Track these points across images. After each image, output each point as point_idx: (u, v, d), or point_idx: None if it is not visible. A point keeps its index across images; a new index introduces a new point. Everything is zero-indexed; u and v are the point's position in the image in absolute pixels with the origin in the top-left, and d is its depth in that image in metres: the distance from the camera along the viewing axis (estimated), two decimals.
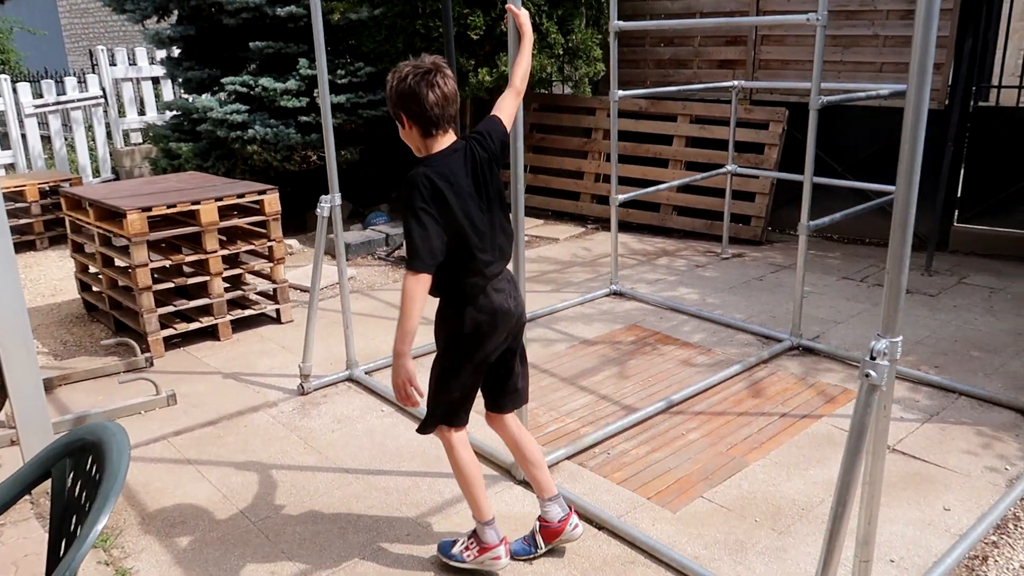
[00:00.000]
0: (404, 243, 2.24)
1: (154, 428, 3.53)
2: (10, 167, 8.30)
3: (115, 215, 4.27)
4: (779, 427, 3.44)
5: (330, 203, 3.74)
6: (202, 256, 4.42)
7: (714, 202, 6.39)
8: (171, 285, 4.38)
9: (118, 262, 4.58)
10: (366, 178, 7.20)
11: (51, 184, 7.01)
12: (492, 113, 2.44)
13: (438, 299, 2.41)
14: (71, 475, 1.64)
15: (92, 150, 9.13)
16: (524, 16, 2.53)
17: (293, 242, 6.50)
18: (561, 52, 6.39)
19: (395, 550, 2.65)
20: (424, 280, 2.17)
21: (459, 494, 2.97)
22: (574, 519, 2.60)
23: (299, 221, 6.96)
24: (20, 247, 6.82)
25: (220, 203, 4.43)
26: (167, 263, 4.39)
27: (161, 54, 7.27)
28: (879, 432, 1.90)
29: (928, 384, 3.79)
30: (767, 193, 6.27)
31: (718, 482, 3.03)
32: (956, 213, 5.89)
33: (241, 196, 4.53)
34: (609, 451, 3.28)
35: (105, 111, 8.98)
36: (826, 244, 6.27)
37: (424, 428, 2.49)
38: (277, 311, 4.81)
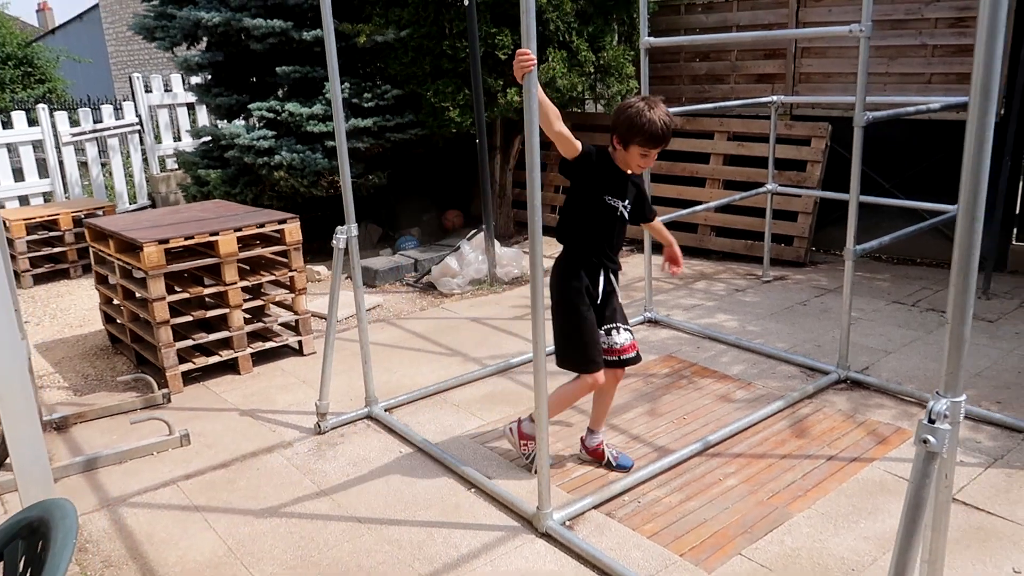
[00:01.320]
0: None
1: (164, 471, 3.40)
2: (48, 195, 8.39)
3: (134, 247, 4.20)
4: (826, 472, 3.17)
5: (346, 234, 3.61)
6: (221, 288, 4.31)
7: (754, 222, 6.12)
8: (190, 318, 4.28)
9: (138, 295, 4.50)
10: (396, 202, 7.09)
11: (85, 212, 7.03)
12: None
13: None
14: (23, 559, 1.49)
15: (129, 176, 9.21)
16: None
17: (321, 268, 6.39)
18: (592, 70, 6.21)
19: None
20: None
21: (475, 548, 2.77)
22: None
23: (325, 245, 6.86)
24: (54, 275, 6.87)
25: (239, 233, 4.32)
26: (186, 295, 4.29)
27: (196, 80, 7.27)
28: (940, 504, 1.66)
29: (990, 423, 3.48)
30: (810, 212, 5.98)
31: (758, 536, 2.77)
32: (1015, 231, 5.53)
33: (262, 226, 4.42)
34: (640, 499, 3.05)
35: (141, 138, 9.05)
36: (874, 265, 5.94)
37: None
38: (299, 343, 4.69)
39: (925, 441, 1.56)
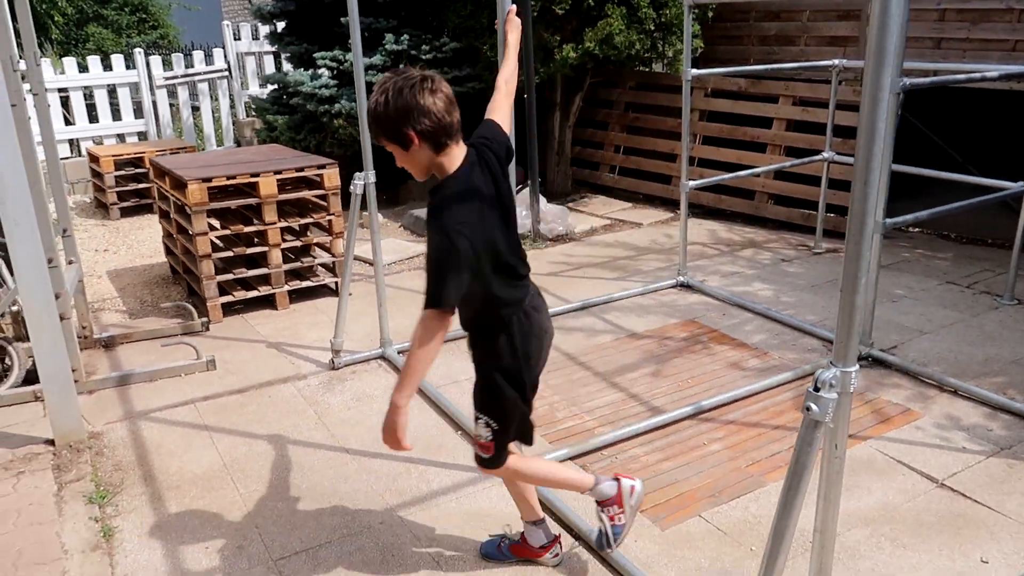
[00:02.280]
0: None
1: (186, 392, 3.67)
2: (142, 135, 8.94)
3: (184, 184, 4.47)
4: None
5: (364, 180, 3.72)
6: (261, 227, 4.54)
7: (813, 191, 5.88)
8: (231, 254, 4.54)
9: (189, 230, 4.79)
10: None
11: (169, 151, 7.46)
12: (487, 117, 2.26)
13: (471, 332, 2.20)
14: None
15: (217, 120, 9.67)
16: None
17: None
18: (653, 27, 6.06)
19: (360, 540, 2.61)
20: (448, 318, 1.96)
21: (446, 485, 2.89)
22: (556, 548, 2.47)
23: (386, 195, 7.06)
24: (139, 209, 7.33)
25: (279, 176, 4.52)
26: (228, 232, 4.54)
27: (271, 28, 7.52)
28: (830, 476, 1.63)
29: (1009, 411, 3.30)
30: None
31: (724, 501, 2.77)
32: None
33: (301, 170, 4.61)
34: (618, 455, 3.08)
35: (229, 83, 9.47)
36: (938, 243, 5.63)
37: None
38: (336, 284, 4.89)
39: (808, 408, 1.54)
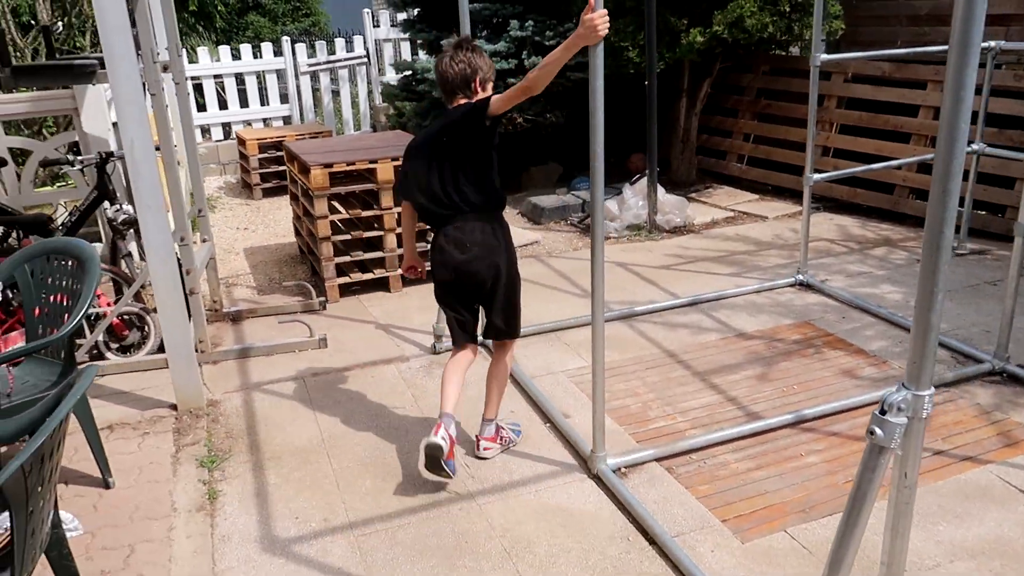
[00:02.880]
0: None
1: (298, 366, 3.89)
2: (287, 119, 9.48)
3: (308, 169, 4.70)
4: (926, 466, 2.87)
5: None
6: (378, 212, 4.71)
7: (963, 187, 5.40)
8: (349, 237, 4.75)
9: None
10: (577, 142, 7.13)
11: (308, 135, 7.88)
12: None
13: None
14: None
15: (355, 105, 10.09)
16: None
17: None
18: (788, 8, 5.74)
19: (438, 524, 2.68)
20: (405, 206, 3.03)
21: (527, 476, 2.91)
22: (482, 443, 3.03)
23: (505, 180, 7.11)
24: (280, 190, 7.79)
25: (396, 163, 4.67)
26: (348, 216, 4.75)
27: (403, 16, 7.75)
28: (899, 506, 1.51)
29: None
30: None
31: (814, 518, 2.63)
32: None
33: (351, 164, 4.72)
34: (707, 460, 2.98)
35: (368, 70, 9.85)
36: None
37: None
38: None
39: (872, 432, 1.43)
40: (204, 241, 4.35)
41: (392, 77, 9.82)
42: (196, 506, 2.81)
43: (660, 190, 5.83)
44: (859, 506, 1.47)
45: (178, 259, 3.82)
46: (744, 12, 5.58)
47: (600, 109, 2.49)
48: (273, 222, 6.79)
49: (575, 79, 6.39)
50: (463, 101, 2.76)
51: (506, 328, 2.98)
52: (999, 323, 3.97)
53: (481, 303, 2.96)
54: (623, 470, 2.92)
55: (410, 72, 7.05)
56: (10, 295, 3.53)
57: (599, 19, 2.35)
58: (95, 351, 3.94)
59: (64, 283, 2.78)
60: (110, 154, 4.03)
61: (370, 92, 9.93)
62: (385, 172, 4.64)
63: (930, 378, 1.43)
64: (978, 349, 3.70)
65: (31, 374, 2.82)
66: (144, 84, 3.39)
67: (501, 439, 3.08)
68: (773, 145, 6.63)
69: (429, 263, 2.98)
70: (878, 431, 1.42)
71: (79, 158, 3.94)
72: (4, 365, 2.70)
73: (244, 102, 9.33)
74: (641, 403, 3.42)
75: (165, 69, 4.10)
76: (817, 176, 4.50)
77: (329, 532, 2.65)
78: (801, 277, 4.66)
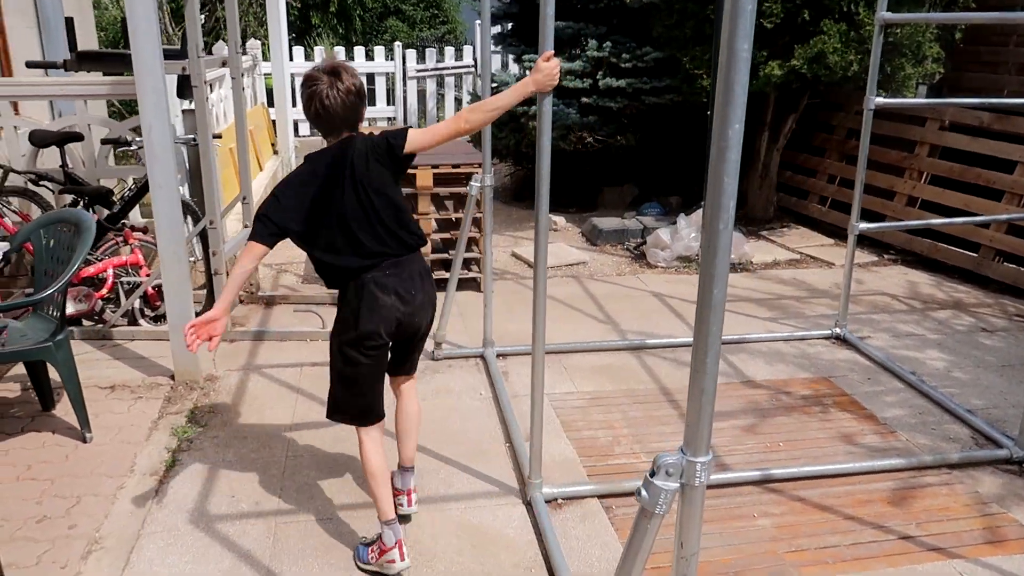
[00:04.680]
0: None
1: (301, 356, 4.04)
2: (391, 119, 9.86)
3: None
4: (883, 549, 2.64)
5: (480, 182, 3.80)
6: (415, 216, 4.83)
7: None
8: None
9: None
10: (654, 166, 7.00)
11: None
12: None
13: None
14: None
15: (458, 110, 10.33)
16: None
17: (560, 219, 6.66)
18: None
19: (357, 524, 2.72)
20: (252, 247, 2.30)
21: (464, 493, 2.90)
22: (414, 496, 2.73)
23: (579, 199, 7.09)
24: None
25: (436, 170, 4.77)
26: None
27: (497, 29, 7.89)
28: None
29: None
30: None
31: None
32: None
33: (457, 166, 4.82)
34: None
35: (473, 79, 10.08)
36: None
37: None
38: (476, 280, 5.05)
39: (638, 493, 1.35)
40: (246, 227, 4.61)
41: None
42: (152, 470, 2.99)
43: None
44: (626, 570, 1.38)
45: (205, 241, 4.09)
46: (827, 48, 5.30)
47: (547, 150, 2.44)
48: None
49: (649, 103, 6.30)
50: (349, 135, 2.32)
51: (415, 366, 2.71)
52: None
53: (403, 349, 2.62)
54: (559, 501, 2.86)
55: (495, 84, 7.16)
56: (11, 259, 3.87)
57: (550, 69, 2.32)
58: (130, 317, 4.27)
59: (65, 247, 3.04)
60: None
61: (472, 100, 10.16)
62: (423, 179, 4.75)
63: (707, 444, 1.33)
64: (1002, 432, 3.34)
65: (32, 328, 3.11)
66: (189, 77, 3.67)
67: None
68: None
69: (340, 319, 2.43)
70: (643, 493, 1.34)
71: (136, 139, 4.29)
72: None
73: None
74: (612, 436, 3.33)
75: (223, 64, 4.39)
76: (864, 225, 4.21)
77: (255, 515, 2.75)
78: (838, 331, 4.36)
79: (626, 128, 6.43)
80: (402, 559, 2.41)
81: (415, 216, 4.71)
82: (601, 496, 2.90)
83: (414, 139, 2.32)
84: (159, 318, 4.32)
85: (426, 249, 4.87)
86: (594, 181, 7.10)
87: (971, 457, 3.16)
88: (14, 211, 4.66)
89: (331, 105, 2.24)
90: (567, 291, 5.11)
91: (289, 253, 5.80)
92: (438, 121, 9.87)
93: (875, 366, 4.04)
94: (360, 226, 2.29)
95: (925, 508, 2.87)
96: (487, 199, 3.86)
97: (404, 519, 2.69)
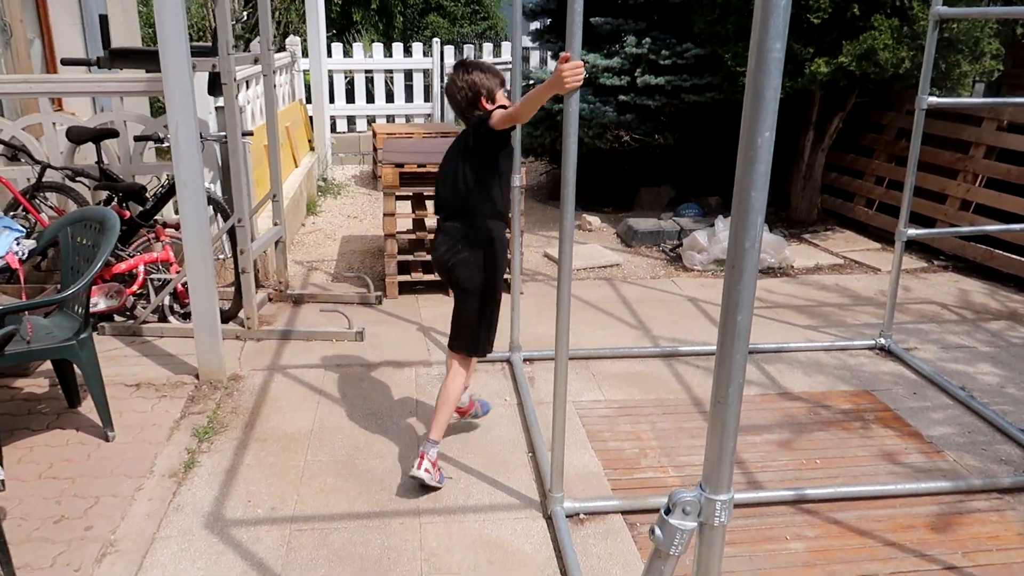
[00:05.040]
0: None
1: (327, 356, 4.00)
2: (428, 116, 9.81)
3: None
4: None
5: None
6: None
7: None
8: (415, 236, 4.82)
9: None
10: (690, 165, 6.83)
11: (437, 135, 8.11)
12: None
13: None
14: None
15: None
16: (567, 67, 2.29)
17: (595, 219, 6.53)
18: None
19: (371, 533, 2.65)
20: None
21: (483, 505, 2.81)
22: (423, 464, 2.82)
23: (615, 198, 6.96)
24: None
25: (401, 170, 4.68)
26: (415, 216, 4.82)
27: (536, 25, 7.77)
28: None
29: None
30: None
31: None
32: None
33: (422, 166, 4.72)
34: None
35: (512, 75, 9.96)
36: None
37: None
38: (506, 281, 4.95)
39: (652, 531, 1.24)
40: (276, 225, 4.59)
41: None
42: (171, 472, 2.96)
43: None
44: None
45: (234, 239, 4.07)
46: (877, 44, 5.08)
47: (573, 151, 2.35)
48: (379, 214, 7.03)
49: (689, 101, 6.13)
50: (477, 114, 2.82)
51: (458, 339, 2.95)
52: None
53: (453, 309, 2.97)
54: (581, 516, 2.75)
55: (530, 81, 7.06)
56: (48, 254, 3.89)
57: (568, 71, 2.26)
58: (160, 313, 4.27)
59: (91, 245, 3.03)
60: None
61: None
62: (389, 177, 4.66)
63: (728, 481, 1.22)
64: None
65: (57, 326, 3.11)
66: (217, 73, 3.63)
67: (439, 470, 2.90)
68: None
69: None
70: (657, 532, 1.23)
71: (166, 135, 4.28)
72: (26, 314, 2.99)
73: (391, 97, 9.76)
74: (639, 448, 3.21)
75: (256, 61, 4.36)
76: (913, 232, 4.02)
77: (269, 521, 2.70)
78: (883, 341, 4.17)
79: (664, 127, 6.27)
80: (418, 468, 2.80)
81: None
82: (625, 512, 2.79)
83: (495, 120, 2.64)
84: (188, 315, 4.31)
85: (393, 249, 4.76)
86: (631, 181, 6.95)
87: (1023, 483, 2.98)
88: (51, 207, 4.71)
89: (448, 92, 2.85)
90: (598, 294, 4.99)
91: (321, 251, 5.79)
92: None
93: (921, 379, 3.85)
94: (442, 182, 2.88)
95: (973, 536, 2.70)
96: (515, 199, 3.76)
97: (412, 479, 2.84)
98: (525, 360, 3.94)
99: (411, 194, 4.82)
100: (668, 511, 1.24)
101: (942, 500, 2.90)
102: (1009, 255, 5.24)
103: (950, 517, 2.81)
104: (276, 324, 4.37)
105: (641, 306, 4.79)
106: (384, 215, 4.71)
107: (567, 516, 2.71)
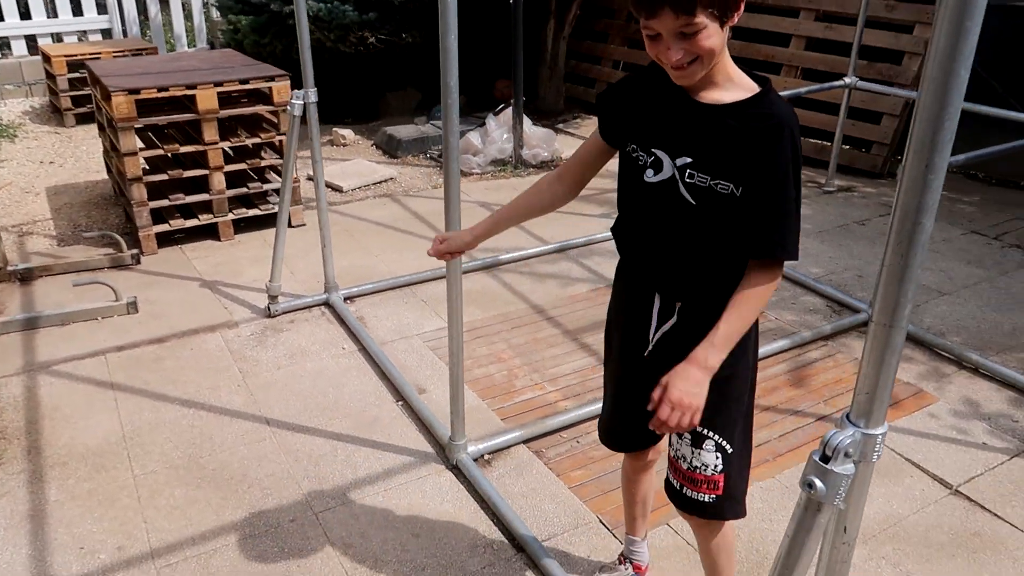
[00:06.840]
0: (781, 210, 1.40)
1: (100, 339, 3.23)
2: (106, 32, 8.23)
3: (110, 96, 3.90)
4: (810, 434, 2.67)
5: (303, 99, 3.16)
6: (201, 147, 4.00)
7: (831, 121, 5.27)
8: (166, 177, 4.02)
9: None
10: (437, 65, 6.52)
11: (129, 52, 6.81)
12: None
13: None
14: None
15: (189, 18, 8.91)
16: None
17: (347, 132, 6.01)
18: None
19: (264, 543, 2.21)
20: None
21: (374, 473, 2.48)
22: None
23: (360, 108, 6.45)
24: (88, 117, 6.74)
25: (220, 88, 3.96)
26: (162, 152, 4.01)
27: None
28: (832, 564, 1.18)
29: None
30: (898, 115, 5.09)
31: None
32: None
33: (246, 82, 4.04)
34: (580, 438, 2.65)
35: None
36: (965, 184, 5.07)
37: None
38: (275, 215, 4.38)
39: (810, 486, 1.07)
40: None
41: None
42: None
43: (527, 121, 5.38)
44: (788, 572, 1.12)
45: None
46: None
47: (453, 29, 1.99)
48: (86, 155, 5.84)
49: None
50: None
51: None
52: (874, 267, 3.87)
53: None
54: (486, 457, 2.55)
55: None
56: None
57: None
58: None
59: None
60: None
61: (206, 3, 8.78)
62: (206, 100, 3.92)
63: (884, 411, 1.08)
64: (853, 297, 3.56)
65: None
66: None
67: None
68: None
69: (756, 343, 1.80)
70: (819, 484, 1.06)
71: None
72: None
73: (53, 11, 7.99)
74: (507, 370, 3.04)
75: None
76: None
77: (124, 565, 2.12)
78: None
79: (410, 25, 5.85)
80: None
81: (204, 147, 3.93)
82: (527, 441, 2.63)
83: None
84: None
85: (221, 185, 4.09)
86: (377, 86, 6.48)
87: (841, 325, 3.33)
88: None
89: None
90: (388, 213, 4.63)
91: (25, 210, 4.66)
92: (165, 30, 8.44)
93: None
94: None
95: (824, 384, 2.96)
96: (312, 118, 3.23)
97: None
98: (346, 299, 3.52)
99: (144, 125, 3.97)
100: (825, 459, 1.07)
101: (786, 358, 3.14)
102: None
103: (799, 372, 3.05)
104: (9, 312, 3.42)
105: (437, 219, 4.53)
106: (123, 155, 3.83)
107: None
